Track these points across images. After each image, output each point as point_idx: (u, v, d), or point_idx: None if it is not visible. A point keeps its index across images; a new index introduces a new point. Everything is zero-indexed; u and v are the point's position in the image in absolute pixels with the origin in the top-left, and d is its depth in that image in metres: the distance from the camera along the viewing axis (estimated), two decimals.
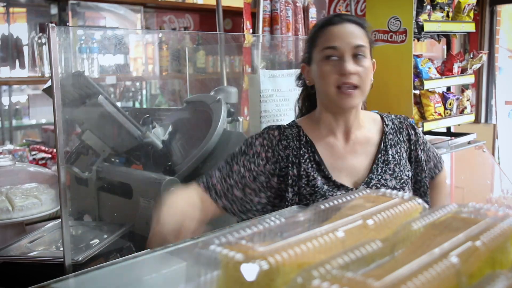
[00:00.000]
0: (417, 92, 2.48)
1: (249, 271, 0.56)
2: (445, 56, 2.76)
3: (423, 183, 1.56)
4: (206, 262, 0.60)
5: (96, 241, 1.53)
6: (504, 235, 0.68)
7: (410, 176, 1.52)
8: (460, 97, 2.69)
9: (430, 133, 2.65)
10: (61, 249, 1.33)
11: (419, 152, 1.55)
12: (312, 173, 1.41)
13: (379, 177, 1.45)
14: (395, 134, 1.53)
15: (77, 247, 1.47)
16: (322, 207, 0.77)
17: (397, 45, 2.31)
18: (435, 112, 2.50)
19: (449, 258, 0.58)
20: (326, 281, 0.53)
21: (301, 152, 1.43)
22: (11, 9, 4.26)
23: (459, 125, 2.73)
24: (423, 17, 2.38)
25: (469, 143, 2.72)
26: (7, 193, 1.64)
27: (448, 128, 2.77)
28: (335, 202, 0.80)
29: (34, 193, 1.68)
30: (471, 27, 2.67)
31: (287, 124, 1.50)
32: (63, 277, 0.89)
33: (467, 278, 0.60)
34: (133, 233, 1.68)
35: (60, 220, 1.35)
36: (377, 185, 1.43)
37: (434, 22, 2.44)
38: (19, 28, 4.28)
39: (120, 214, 1.80)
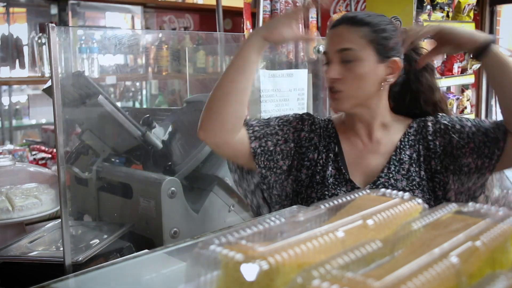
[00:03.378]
0: None
1: (249, 271, 0.56)
2: (445, 56, 2.76)
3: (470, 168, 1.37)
4: (206, 262, 0.60)
5: (96, 241, 1.53)
6: (504, 235, 0.68)
7: (427, 175, 1.40)
8: (460, 97, 2.69)
9: None
10: (61, 249, 1.33)
11: (451, 136, 1.39)
12: (325, 163, 1.42)
13: (389, 175, 1.39)
14: (416, 133, 1.44)
15: (77, 247, 1.47)
16: (322, 207, 0.77)
17: None
18: None
19: (449, 258, 0.58)
20: (326, 281, 0.53)
21: (325, 140, 1.45)
22: (11, 9, 4.26)
23: None
24: (423, 17, 2.38)
25: None
26: (7, 193, 1.64)
27: None
28: (335, 202, 0.80)
29: (34, 193, 1.68)
30: (471, 27, 2.67)
31: (319, 118, 1.54)
32: (63, 277, 0.89)
33: (467, 278, 0.60)
34: (133, 233, 1.68)
35: (60, 220, 1.35)
36: (385, 184, 1.38)
37: (434, 22, 2.44)
38: (19, 28, 4.29)
39: (120, 214, 1.80)
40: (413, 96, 1.49)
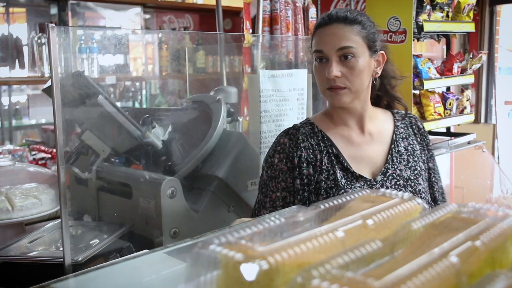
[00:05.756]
0: (417, 92, 2.48)
1: (249, 271, 0.56)
2: (444, 56, 2.76)
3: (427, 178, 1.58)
4: (206, 262, 0.60)
5: (96, 241, 1.53)
6: (504, 235, 0.68)
7: (424, 167, 1.54)
8: (460, 97, 2.69)
9: (430, 133, 2.64)
10: (61, 249, 1.33)
11: (429, 150, 1.59)
12: (331, 167, 1.44)
13: (395, 167, 1.48)
14: (405, 128, 1.57)
15: (77, 247, 1.47)
16: (322, 207, 0.77)
17: (397, 45, 2.31)
18: (435, 112, 2.50)
19: (449, 258, 0.58)
20: (326, 281, 0.53)
21: (319, 148, 1.46)
22: (11, 9, 4.26)
23: (458, 125, 2.73)
24: (422, 17, 2.38)
25: (469, 143, 2.72)
26: (7, 193, 1.64)
27: (448, 128, 2.77)
28: (335, 202, 0.80)
29: (34, 193, 1.68)
30: (470, 27, 2.67)
31: (300, 123, 1.53)
32: (63, 277, 0.89)
33: (467, 278, 0.60)
34: (132, 233, 1.68)
35: (60, 220, 1.35)
36: (393, 175, 1.46)
37: (434, 22, 2.44)
38: (19, 28, 4.28)
39: (120, 214, 1.80)
40: (382, 83, 1.58)
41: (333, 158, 1.45)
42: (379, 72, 1.49)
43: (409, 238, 0.68)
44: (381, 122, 1.55)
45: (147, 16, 5.01)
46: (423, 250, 0.61)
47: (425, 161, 1.56)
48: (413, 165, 1.51)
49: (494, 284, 0.55)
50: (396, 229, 0.70)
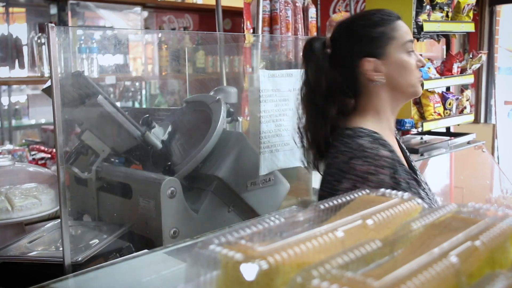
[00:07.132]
0: None
1: (249, 271, 0.56)
2: (444, 56, 2.76)
3: None
4: (205, 262, 0.60)
5: (96, 241, 1.53)
6: (503, 235, 0.68)
7: None
8: (460, 97, 2.69)
9: (429, 133, 2.65)
10: (61, 249, 1.33)
11: None
12: (415, 182, 1.33)
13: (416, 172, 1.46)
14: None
15: (77, 247, 1.47)
16: (322, 207, 0.77)
17: None
18: (435, 112, 2.50)
19: (449, 258, 0.58)
20: (325, 281, 0.53)
21: (399, 162, 1.32)
22: (10, 9, 4.26)
23: (458, 125, 2.74)
24: (422, 17, 2.38)
25: (468, 143, 2.72)
26: (6, 193, 1.64)
27: (448, 128, 2.78)
28: (335, 202, 0.80)
29: (34, 193, 1.68)
30: (470, 27, 2.67)
31: (370, 135, 1.34)
32: (63, 277, 0.89)
33: (467, 278, 0.60)
34: (132, 233, 1.68)
35: (59, 220, 1.35)
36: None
37: (434, 22, 2.44)
38: (19, 28, 4.29)
39: (119, 214, 1.80)
40: None
41: (409, 171, 1.34)
42: None
43: (409, 238, 0.68)
44: None
45: (147, 16, 5.01)
46: (422, 250, 0.61)
47: None
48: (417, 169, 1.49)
49: (494, 284, 0.56)
50: (396, 229, 0.70)
